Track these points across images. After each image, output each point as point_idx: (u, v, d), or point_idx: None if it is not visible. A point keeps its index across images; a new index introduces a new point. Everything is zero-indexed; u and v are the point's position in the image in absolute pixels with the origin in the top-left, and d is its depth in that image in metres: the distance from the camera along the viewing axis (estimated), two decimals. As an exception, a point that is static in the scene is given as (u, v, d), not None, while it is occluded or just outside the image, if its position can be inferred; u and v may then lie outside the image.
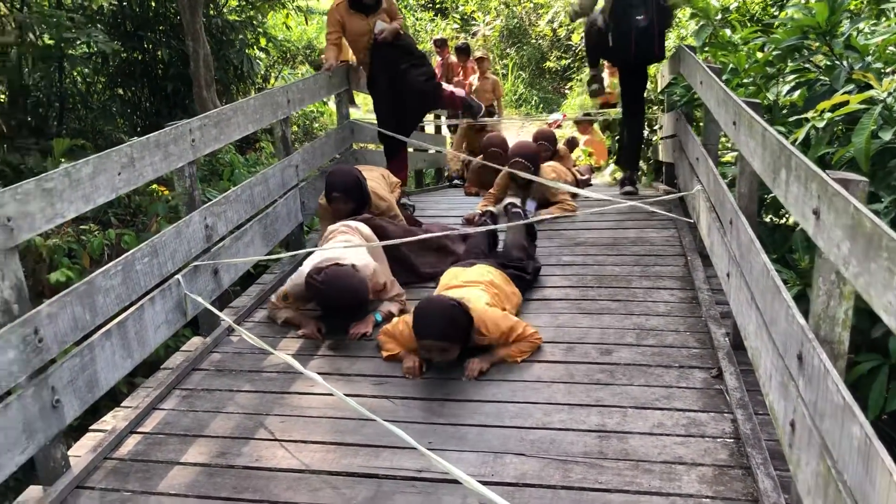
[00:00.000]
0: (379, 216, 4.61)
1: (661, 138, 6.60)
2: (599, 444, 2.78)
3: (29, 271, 6.16)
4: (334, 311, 3.77)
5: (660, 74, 6.76)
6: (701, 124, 4.80)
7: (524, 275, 4.13)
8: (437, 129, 9.94)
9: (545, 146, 6.68)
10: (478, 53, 11.11)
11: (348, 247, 3.96)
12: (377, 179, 4.98)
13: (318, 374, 3.09)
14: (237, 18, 10.43)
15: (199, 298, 3.52)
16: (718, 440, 2.75)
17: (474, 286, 3.65)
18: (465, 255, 4.40)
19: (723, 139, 4.69)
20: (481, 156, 6.57)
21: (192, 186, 3.69)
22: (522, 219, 4.75)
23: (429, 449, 2.44)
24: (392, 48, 5.77)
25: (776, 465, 2.50)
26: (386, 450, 2.82)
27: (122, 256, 3.14)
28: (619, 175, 7.99)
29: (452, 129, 9.85)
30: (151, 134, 3.35)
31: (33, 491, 2.72)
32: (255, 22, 10.68)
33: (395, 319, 3.67)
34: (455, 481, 2.56)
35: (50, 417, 2.64)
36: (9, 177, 7.79)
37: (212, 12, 9.84)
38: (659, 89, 6.81)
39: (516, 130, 12.78)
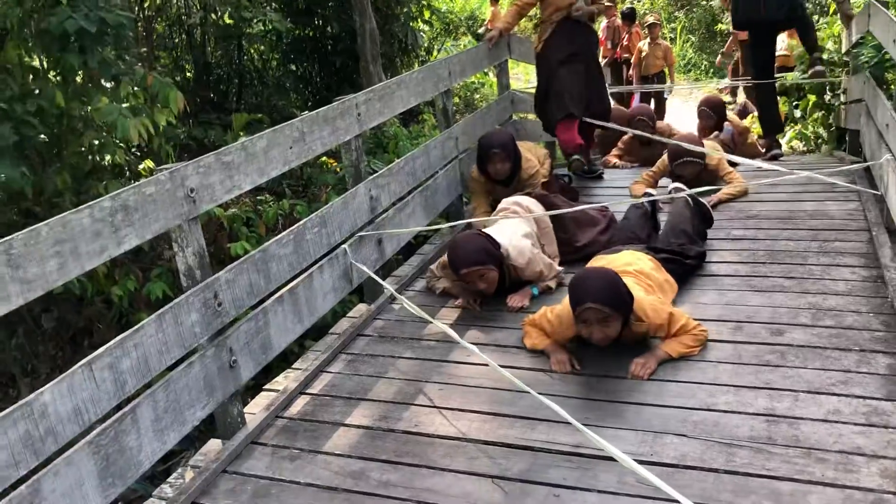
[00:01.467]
0: (527, 180, 4.63)
1: (845, 103, 6.10)
2: (767, 429, 2.63)
3: (210, 239, 6.64)
4: (457, 274, 3.78)
5: (844, 34, 6.23)
6: (893, 87, 4.38)
7: (683, 259, 3.84)
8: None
9: (706, 113, 6.27)
10: (649, 19, 10.69)
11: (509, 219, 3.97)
12: (524, 146, 5.01)
13: (475, 344, 3.13)
14: (401, -9, 10.61)
15: (363, 267, 3.65)
16: (905, 432, 2.53)
17: (623, 276, 3.29)
18: (618, 235, 4.23)
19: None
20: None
21: (358, 159, 3.81)
22: (689, 204, 4.39)
23: (585, 425, 2.41)
24: (578, 28, 5.47)
25: (972, 464, 2.28)
26: (542, 423, 2.81)
27: (294, 227, 3.30)
28: (794, 144, 7.47)
29: None
30: (320, 109, 3.48)
31: (213, 444, 2.95)
32: (419, -6, 10.84)
33: (542, 309, 3.43)
34: (612, 459, 2.53)
35: (228, 376, 2.85)
36: (194, 150, 8.40)
37: (378, -13, 10.08)
38: (843, 50, 6.29)
39: (685, 98, 12.25)
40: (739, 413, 2.74)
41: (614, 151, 6.59)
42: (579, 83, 5.37)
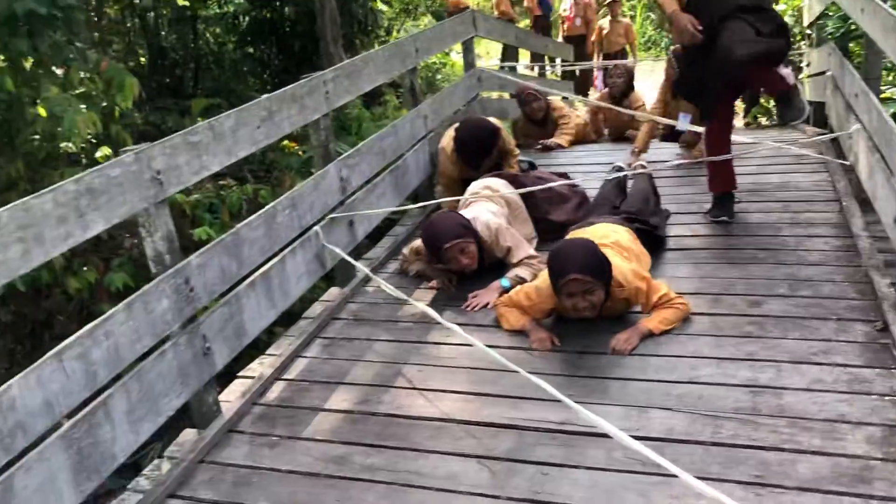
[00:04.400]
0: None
1: (809, 76, 6.14)
2: (752, 400, 2.63)
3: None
4: (432, 251, 3.73)
5: (806, 7, 6.27)
6: (858, 60, 4.41)
7: (653, 231, 3.85)
8: (571, 74, 9.59)
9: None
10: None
11: (476, 199, 3.92)
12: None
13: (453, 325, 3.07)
14: (360, -29, 10.45)
15: (337, 249, 3.57)
16: (887, 398, 2.54)
17: (601, 248, 3.24)
18: (595, 207, 4.21)
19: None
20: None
21: (326, 139, 3.72)
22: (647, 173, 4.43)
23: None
24: None
25: (956, 427, 2.30)
26: (526, 401, 2.77)
27: (264, 209, 3.21)
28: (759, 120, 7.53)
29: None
30: (287, 87, 3.39)
31: (189, 434, 2.85)
32: (377, -26, 10.69)
33: (516, 288, 3.41)
34: (599, 434, 2.50)
35: (202, 364, 2.76)
36: (152, 136, 8.17)
37: (336, -34, 9.90)
38: (806, 23, 6.32)
39: (647, 75, 12.29)
40: (723, 385, 2.73)
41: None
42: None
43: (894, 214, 3.01)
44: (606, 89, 6.69)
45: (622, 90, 6.30)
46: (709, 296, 3.39)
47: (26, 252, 2.09)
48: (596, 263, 3.05)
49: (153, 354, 2.55)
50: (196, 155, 2.76)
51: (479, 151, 4.54)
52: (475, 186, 4.18)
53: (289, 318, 3.84)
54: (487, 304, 3.55)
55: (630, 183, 4.43)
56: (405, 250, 4.10)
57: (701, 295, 3.40)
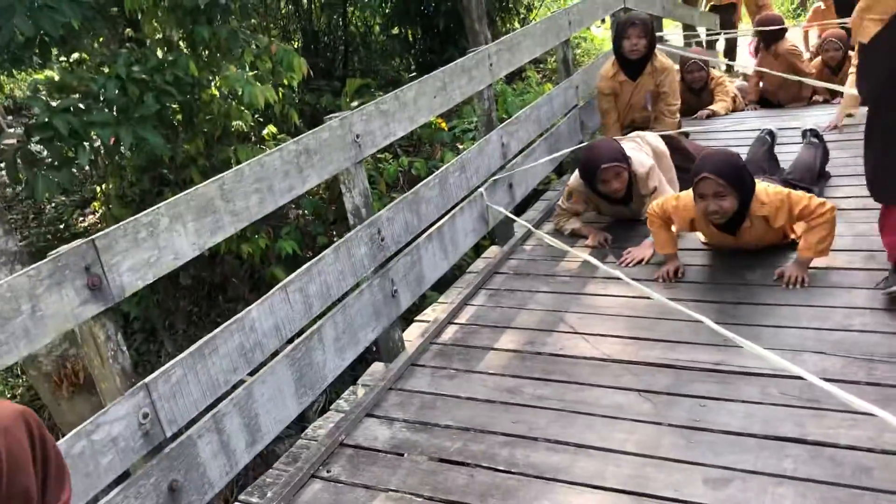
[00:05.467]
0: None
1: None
2: (908, 346, 2.74)
3: (336, 196, 7.03)
4: (589, 170, 3.94)
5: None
6: None
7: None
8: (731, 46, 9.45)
9: (835, 45, 6.33)
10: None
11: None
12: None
13: (611, 278, 3.32)
14: (501, -50, 10.68)
15: (499, 208, 3.89)
16: None
17: None
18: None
19: None
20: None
21: (490, 108, 4.04)
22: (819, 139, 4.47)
23: (724, 346, 2.58)
24: None
25: None
26: (681, 345, 3.00)
27: (439, 171, 3.56)
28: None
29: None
30: (457, 60, 3.71)
31: (378, 366, 3.26)
32: (519, -48, 10.87)
33: (668, 195, 3.67)
34: (753, 373, 2.72)
35: (391, 304, 3.15)
36: (308, 114, 8.80)
37: (479, -54, 10.18)
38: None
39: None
40: (877, 332, 2.85)
41: None
42: None
43: None
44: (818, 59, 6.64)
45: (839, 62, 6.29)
46: (863, 252, 3.47)
47: (262, 201, 2.52)
48: (732, 169, 3.23)
49: (353, 293, 2.95)
50: (385, 122, 3.14)
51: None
52: (628, 137, 4.38)
53: (440, 286, 4.13)
54: (642, 259, 3.78)
55: (800, 148, 4.50)
56: (559, 202, 4.35)
57: (855, 252, 3.49)
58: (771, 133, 4.63)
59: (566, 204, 4.26)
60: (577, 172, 4.16)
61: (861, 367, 2.67)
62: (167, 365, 2.14)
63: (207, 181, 2.33)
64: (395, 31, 11.09)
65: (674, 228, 3.60)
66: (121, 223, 2.03)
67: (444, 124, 8.09)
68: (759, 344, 2.90)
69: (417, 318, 3.63)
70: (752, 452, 2.35)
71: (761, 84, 6.78)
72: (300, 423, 4.08)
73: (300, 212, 7.22)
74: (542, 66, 10.50)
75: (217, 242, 2.36)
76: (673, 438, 2.48)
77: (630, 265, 3.80)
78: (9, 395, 6.97)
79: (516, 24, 11.33)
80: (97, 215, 8.31)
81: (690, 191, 3.41)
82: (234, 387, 2.42)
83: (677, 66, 5.59)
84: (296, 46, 10.31)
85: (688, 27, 9.80)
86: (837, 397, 2.06)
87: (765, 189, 3.34)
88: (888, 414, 1.87)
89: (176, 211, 2.21)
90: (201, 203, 2.29)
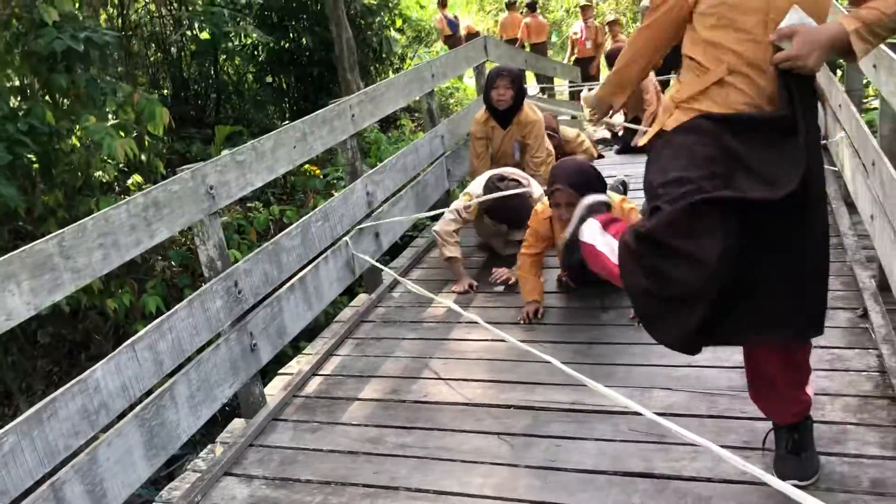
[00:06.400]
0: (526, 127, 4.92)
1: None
2: (743, 379, 2.89)
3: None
4: (503, 214, 4.14)
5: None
6: (840, 73, 4.72)
7: None
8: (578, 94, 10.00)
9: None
10: (609, 17, 11.11)
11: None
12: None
13: (474, 322, 3.38)
14: (374, 2, 10.89)
15: (365, 257, 3.91)
16: (863, 373, 2.84)
17: None
18: None
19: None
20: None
21: (353, 157, 4.07)
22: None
23: (580, 385, 2.67)
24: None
25: (923, 394, 2.58)
26: (540, 386, 3.09)
27: (300, 220, 3.55)
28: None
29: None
30: (318, 112, 3.74)
31: (238, 422, 3.18)
32: (390, 4, 11.11)
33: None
34: (606, 412, 2.82)
35: (249, 358, 3.09)
36: (177, 163, 8.55)
37: (351, -2, 10.36)
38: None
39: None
40: (717, 367, 3.03)
41: None
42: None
43: (870, 212, 3.30)
44: None
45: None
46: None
47: (106, 256, 2.43)
48: (582, 179, 3.36)
49: (209, 348, 2.88)
50: (242, 172, 3.11)
51: (493, 82, 4.75)
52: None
53: (311, 335, 4.09)
54: (508, 280, 4.05)
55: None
56: (455, 204, 4.31)
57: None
58: (623, 183, 4.88)
59: (450, 238, 4.22)
60: (475, 183, 4.34)
61: (703, 400, 2.83)
62: (-4, 433, 2.01)
63: (45, 237, 2.24)
64: (269, 79, 11.05)
65: (536, 251, 3.74)
66: (-58, 284, 1.92)
67: (318, 171, 8.09)
68: (611, 382, 3.04)
69: (281, 371, 3.57)
70: (604, 490, 2.43)
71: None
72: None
73: (166, 263, 7.00)
74: (417, 114, 10.71)
75: (56, 301, 2.26)
76: (529, 480, 2.53)
77: (499, 280, 4.06)
78: None
79: (391, 74, 11.52)
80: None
81: (538, 211, 3.69)
82: (76, 453, 2.30)
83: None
84: (165, 94, 10.10)
85: (546, 79, 10.26)
86: (675, 433, 2.17)
87: (620, 200, 3.54)
88: (715, 445, 1.98)
89: (9, 269, 2.10)
90: (38, 260, 2.19)
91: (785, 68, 1.96)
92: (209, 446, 3.04)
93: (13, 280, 2.11)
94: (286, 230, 3.43)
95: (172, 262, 6.83)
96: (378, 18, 10.63)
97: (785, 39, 1.96)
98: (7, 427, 2.05)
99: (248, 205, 7.26)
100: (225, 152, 3.23)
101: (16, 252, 2.14)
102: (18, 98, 6.48)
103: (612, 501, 2.38)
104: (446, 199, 5.37)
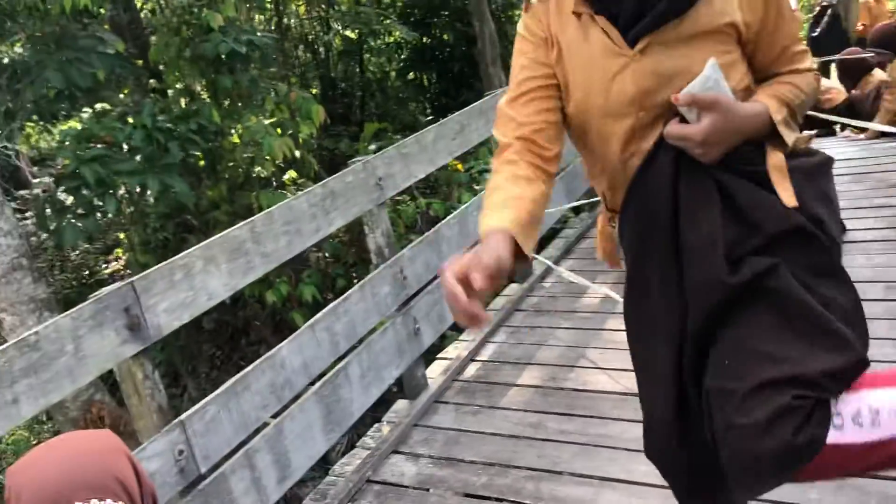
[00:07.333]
0: None
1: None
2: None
3: (355, 237, 7.14)
4: None
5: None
6: None
7: None
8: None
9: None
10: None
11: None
12: None
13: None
14: (515, -5, 10.90)
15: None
16: None
17: None
18: None
19: None
20: None
21: (507, 148, 4.12)
22: None
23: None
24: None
25: None
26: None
27: (458, 210, 3.65)
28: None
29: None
30: (475, 102, 3.82)
31: (402, 403, 3.31)
32: (531, -4, 11.07)
33: None
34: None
35: (414, 342, 3.21)
36: (327, 159, 8.97)
37: (493, -8, 10.42)
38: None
39: None
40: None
41: None
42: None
43: None
44: None
45: None
46: (882, 283, 3.49)
47: (290, 242, 2.60)
48: None
49: (378, 331, 3.02)
50: (406, 164, 3.23)
51: None
52: None
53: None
54: None
55: None
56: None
57: (874, 283, 3.51)
58: None
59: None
60: None
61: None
62: (202, 402, 2.20)
63: (239, 224, 2.42)
64: (411, 76, 11.33)
65: None
66: (158, 265, 2.12)
67: (460, 166, 8.23)
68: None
69: (439, 355, 3.68)
70: (777, 482, 2.37)
71: None
72: (323, 464, 4.11)
73: (321, 254, 7.33)
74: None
75: (249, 283, 2.44)
76: (697, 470, 2.50)
77: None
78: (35, 441, 7.05)
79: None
80: (121, 262, 8.46)
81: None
82: (265, 424, 2.48)
83: None
84: (314, 93, 10.55)
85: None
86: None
87: None
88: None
89: (210, 253, 2.29)
90: (234, 245, 2.38)
91: (674, 144, 1.40)
92: (376, 425, 3.19)
93: (213, 263, 2.30)
94: (445, 219, 3.53)
95: (326, 254, 7.16)
96: (518, 11, 10.63)
97: (694, 109, 1.36)
98: (209, 397, 2.24)
99: (397, 198, 7.48)
100: (382, 148, 3.35)
101: (215, 238, 2.34)
102: (187, 99, 6.96)
103: (785, 492, 2.31)
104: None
